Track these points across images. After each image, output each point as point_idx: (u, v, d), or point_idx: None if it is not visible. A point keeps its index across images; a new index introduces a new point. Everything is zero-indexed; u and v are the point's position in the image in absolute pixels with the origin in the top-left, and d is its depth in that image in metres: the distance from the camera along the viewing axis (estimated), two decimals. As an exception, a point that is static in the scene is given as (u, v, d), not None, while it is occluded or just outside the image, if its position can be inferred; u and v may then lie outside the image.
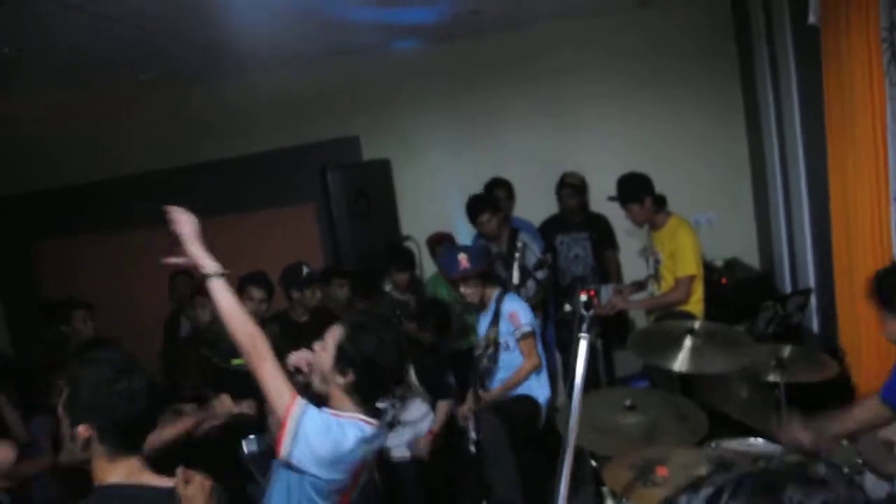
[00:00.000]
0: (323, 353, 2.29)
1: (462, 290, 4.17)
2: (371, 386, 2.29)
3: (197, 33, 4.66)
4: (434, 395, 4.29)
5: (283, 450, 2.12)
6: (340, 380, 2.26)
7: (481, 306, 4.27)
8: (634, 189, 4.48)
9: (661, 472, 2.40)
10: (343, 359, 2.26)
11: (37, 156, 6.64)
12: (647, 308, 4.63)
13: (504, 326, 4.07)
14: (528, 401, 4.12)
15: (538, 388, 4.18)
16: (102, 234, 6.73)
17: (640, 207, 4.47)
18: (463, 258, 4.10)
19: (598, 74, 5.90)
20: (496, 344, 4.00)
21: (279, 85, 6.24)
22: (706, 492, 0.79)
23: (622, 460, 2.53)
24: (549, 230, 5.61)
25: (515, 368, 4.16)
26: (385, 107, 6.21)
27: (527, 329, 4.10)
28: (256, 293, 4.35)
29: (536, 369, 4.12)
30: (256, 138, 6.33)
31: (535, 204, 5.78)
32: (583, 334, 1.97)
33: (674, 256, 4.41)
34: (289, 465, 2.17)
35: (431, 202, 6.07)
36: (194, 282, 5.61)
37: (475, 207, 5.16)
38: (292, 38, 5.21)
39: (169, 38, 4.67)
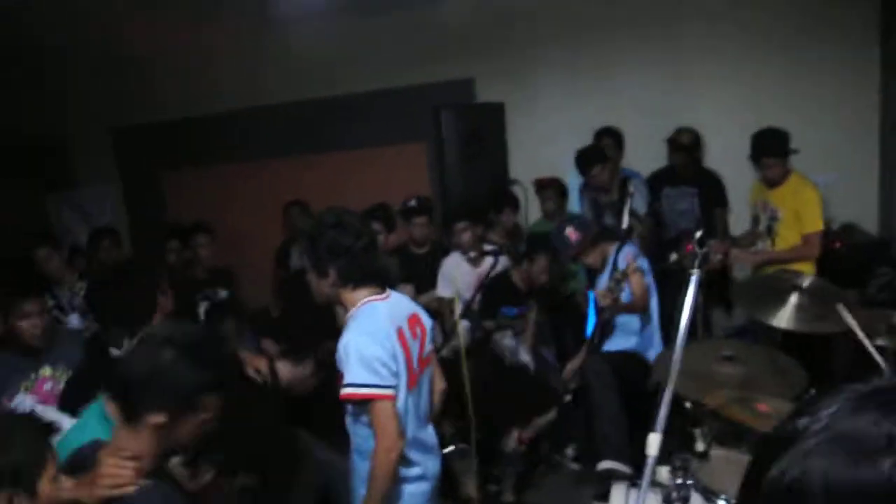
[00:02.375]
0: (309, 276, 2.55)
1: (583, 262, 4.26)
2: (353, 268, 2.47)
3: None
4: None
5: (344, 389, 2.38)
6: (330, 280, 2.48)
7: (603, 267, 4.28)
8: (780, 143, 4.41)
9: (762, 407, 2.39)
10: (317, 264, 2.49)
11: (168, 86, 7.01)
12: (771, 261, 4.47)
13: (622, 268, 4.06)
14: (640, 359, 4.11)
15: (651, 349, 4.16)
16: (223, 163, 7.10)
17: (781, 163, 4.41)
18: (570, 231, 4.13)
19: (718, 24, 5.70)
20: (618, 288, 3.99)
21: (399, 25, 6.35)
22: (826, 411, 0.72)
23: (718, 393, 2.56)
24: (657, 182, 5.55)
25: (629, 327, 4.18)
26: (501, 50, 6.21)
27: (639, 265, 4.02)
28: (374, 226, 4.53)
29: (644, 308, 4.08)
30: (373, 76, 6.47)
31: (645, 155, 5.69)
32: (695, 270, 2.01)
33: (800, 213, 4.34)
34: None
35: (542, 147, 6.08)
36: (306, 211, 5.90)
37: (585, 160, 5.15)
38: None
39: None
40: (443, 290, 4.81)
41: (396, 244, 5.31)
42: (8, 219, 6.68)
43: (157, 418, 1.71)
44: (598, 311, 4.11)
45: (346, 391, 2.37)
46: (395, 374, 2.41)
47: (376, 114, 6.48)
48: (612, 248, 4.20)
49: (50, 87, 7.18)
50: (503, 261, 4.61)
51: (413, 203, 5.17)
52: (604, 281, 4.18)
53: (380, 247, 4.22)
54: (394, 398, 2.38)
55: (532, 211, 5.87)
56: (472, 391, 3.52)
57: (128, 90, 7.06)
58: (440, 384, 2.89)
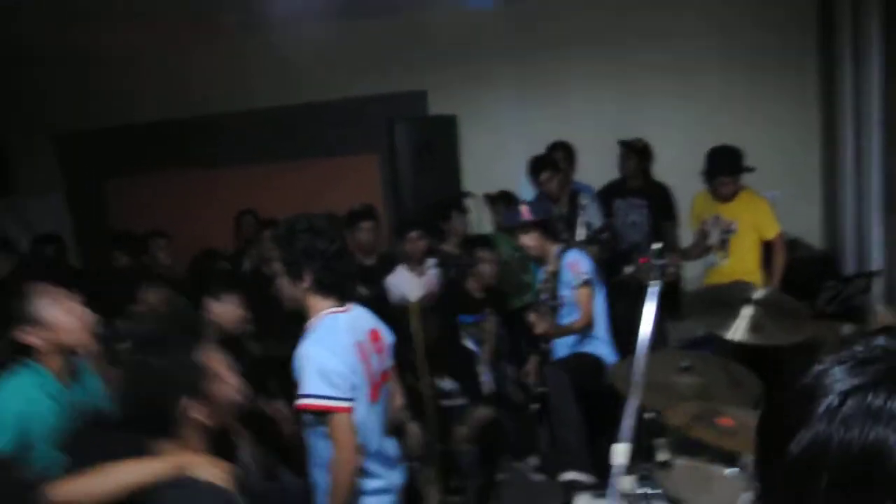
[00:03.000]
0: (280, 280, 2.50)
1: (522, 240, 4.15)
2: (327, 273, 2.46)
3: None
4: (468, 397, 4.27)
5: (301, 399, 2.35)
6: (304, 286, 2.45)
7: (541, 261, 4.28)
8: (735, 161, 4.50)
9: (726, 422, 2.40)
10: (291, 267, 2.46)
11: (114, 92, 6.84)
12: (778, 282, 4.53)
13: (565, 276, 4.05)
14: (594, 358, 4.09)
15: (606, 352, 4.13)
16: (171, 171, 6.93)
17: (735, 180, 4.52)
18: (524, 209, 4.12)
19: (667, 43, 5.84)
20: (554, 293, 3.99)
21: (353, 34, 6.33)
22: (858, 379, 0.69)
23: (678, 410, 2.57)
24: (607, 195, 5.60)
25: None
26: (454, 63, 6.22)
27: (586, 277, 4.02)
28: None
29: (587, 327, 4.05)
30: (325, 86, 6.44)
31: (596, 170, 5.75)
32: (654, 282, 2.02)
33: (757, 222, 4.50)
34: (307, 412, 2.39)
35: (494, 160, 6.12)
36: (258, 221, 5.80)
37: (536, 166, 5.19)
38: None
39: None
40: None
41: None
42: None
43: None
44: (538, 338, 4.12)
45: (303, 401, 2.33)
46: (354, 388, 2.39)
47: (328, 124, 6.42)
48: (554, 248, 4.16)
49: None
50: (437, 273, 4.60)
51: (357, 207, 5.13)
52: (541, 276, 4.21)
53: None
54: (350, 411, 2.36)
55: (484, 225, 5.88)
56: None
57: (71, 95, 6.87)
58: (399, 400, 2.86)
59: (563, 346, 4.19)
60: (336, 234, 2.52)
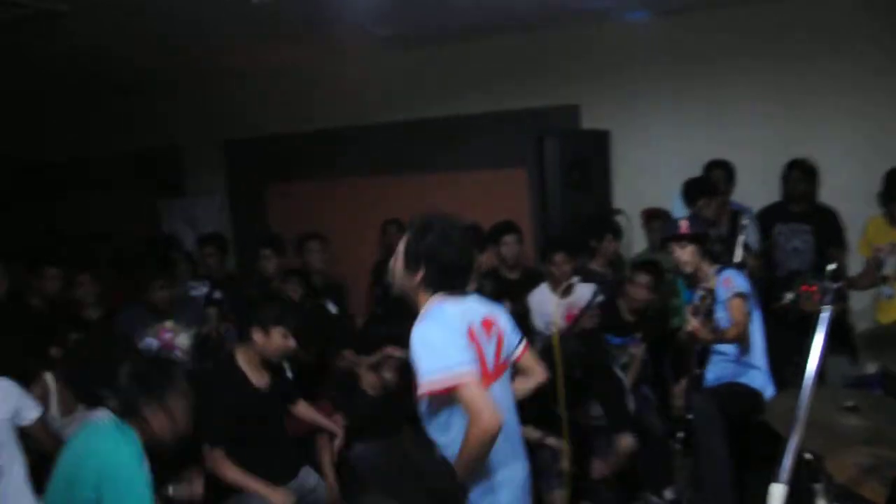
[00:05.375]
0: (396, 261, 2.49)
1: (677, 253, 4.00)
2: (440, 278, 2.44)
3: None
4: (612, 423, 4.13)
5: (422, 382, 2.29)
6: (414, 279, 2.43)
7: (693, 280, 4.10)
8: None
9: None
10: (411, 258, 2.44)
11: (277, 103, 7.35)
12: None
13: (720, 294, 3.87)
14: (750, 390, 3.88)
15: (764, 384, 3.92)
16: (326, 179, 7.26)
17: None
18: (683, 223, 4.01)
19: (837, 54, 5.40)
20: (710, 311, 3.81)
21: (505, 48, 6.35)
22: None
23: (844, 459, 2.37)
24: (767, 218, 5.29)
25: (730, 351, 3.97)
26: (609, 77, 6.11)
27: (740, 290, 3.84)
28: None
29: (741, 337, 3.84)
30: (477, 99, 6.48)
31: (755, 192, 5.44)
32: (826, 307, 1.86)
33: None
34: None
35: (647, 178, 5.91)
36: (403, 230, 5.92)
37: (692, 192, 4.99)
38: (521, 1, 5.25)
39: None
40: (537, 322, 4.71)
41: (488, 267, 5.25)
42: (123, 220, 7.53)
43: None
44: (689, 362, 3.96)
45: (424, 381, 2.26)
46: (473, 359, 2.32)
47: (478, 137, 6.46)
48: (710, 268, 4.00)
49: (167, 102, 7.76)
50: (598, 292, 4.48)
51: (500, 221, 5.16)
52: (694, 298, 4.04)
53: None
54: (475, 375, 2.25)
55: (634, 243, 5.72)
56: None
57: (239, 106, 7.44)
58: (539, 376, 2.75)
59: (717, 374, 4.00)
60: (465, 250, 2.48)
